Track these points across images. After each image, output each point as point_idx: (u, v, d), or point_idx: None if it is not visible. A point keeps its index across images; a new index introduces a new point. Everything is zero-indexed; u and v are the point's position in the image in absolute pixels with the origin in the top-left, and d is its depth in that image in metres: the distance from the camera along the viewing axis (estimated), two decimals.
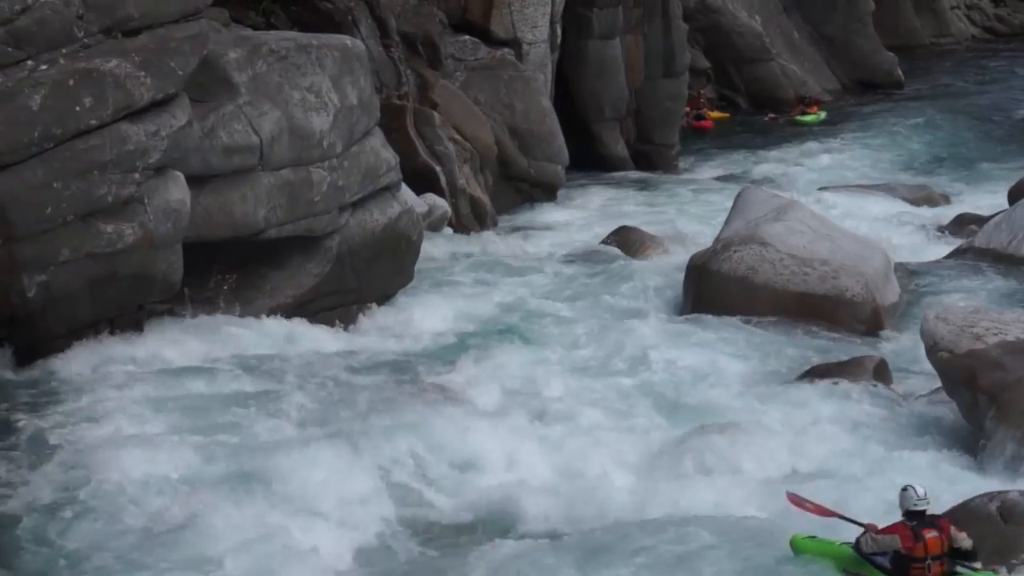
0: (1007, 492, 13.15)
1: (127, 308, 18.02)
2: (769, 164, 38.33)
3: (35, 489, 14.14)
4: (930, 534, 11.74)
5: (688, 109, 43.03)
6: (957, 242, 26.39)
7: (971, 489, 13.89)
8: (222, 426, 15.79)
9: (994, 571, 11.97)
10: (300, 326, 19.94)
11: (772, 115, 44.95)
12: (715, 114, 44.18)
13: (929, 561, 11.68)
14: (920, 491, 11.95)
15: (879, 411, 17.17)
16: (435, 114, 28.28)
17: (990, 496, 13.02)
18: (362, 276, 21.11)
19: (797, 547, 12.46)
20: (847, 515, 12.59)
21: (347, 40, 21.75)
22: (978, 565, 11.83)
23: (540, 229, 29.62)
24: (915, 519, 11.86)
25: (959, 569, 11.78)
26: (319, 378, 17.82)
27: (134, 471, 14.33)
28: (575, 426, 16.74)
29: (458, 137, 28.65)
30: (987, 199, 31.63)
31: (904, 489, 12.07)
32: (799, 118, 44.29)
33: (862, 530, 12.16)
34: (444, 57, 30.37)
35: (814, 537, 12.56)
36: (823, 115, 44.55)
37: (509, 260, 25.53)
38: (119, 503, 13.83)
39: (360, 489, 14.45)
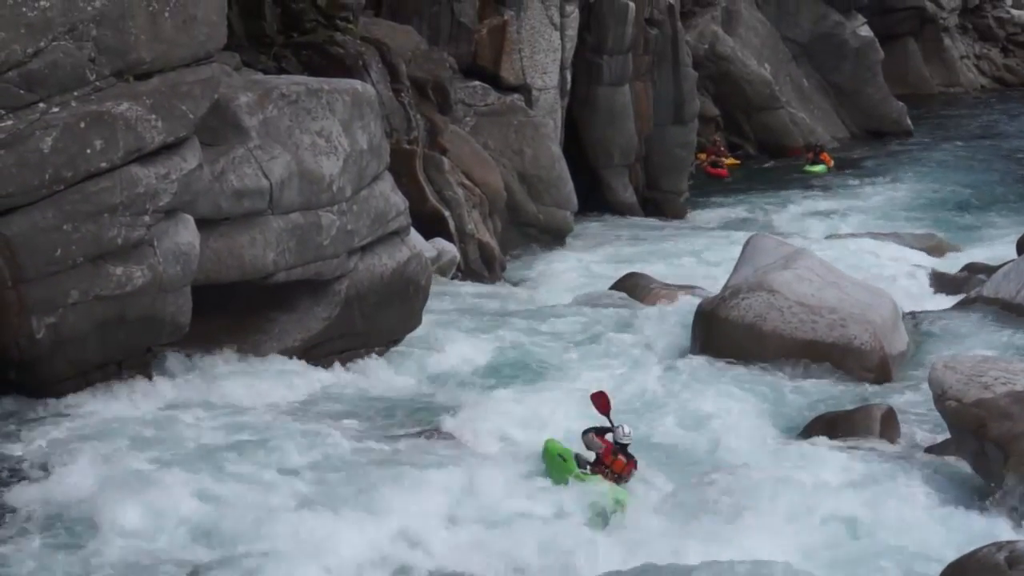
0: (1016, 542, 13.08)
1: (135, 350, 18.03)
2: (777, 211, 38.40)
3: (34, 533, 14.10)
4: (620, 457, 16.55)
5: (705, 155, 43.24)
6: (965, 291, 26.36)
7: (979, 538, 13.83)
8: (227, 471, 15.74)
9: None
10: (307, 370, 19.94)
11: (792, 150, 45.10)
12: (729, 160, 44.29)
13: (610, 471, 16.41)
14: (627, 430, 16.70)
15: (886, 460, 17.12)
16: (444, 159, 28.36)
17: (998, 546, 12.96)
18: (370, 320, 21.12)
19: (547, 448, 16.84)
20: (610, 421, 16.96)
21: (357, 85, 21.82)
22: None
23: (548, 274, 29.64)
24: (618, 447, 16.63)
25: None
26: (326, 423, 17.78)
27: (138, 517, 14.30)
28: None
29: (467, 182, 28.72)
30: (995, 249, 31.63)
31: (619, 426, 16.76)
32: (809, 167, 44.35)
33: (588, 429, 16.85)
34: (454, 102, 30.48)
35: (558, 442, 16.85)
36: (827, 168, 44.62)
37: (517, 305, 25.53)
38: (126, 550, 13.80)
39: (367, 539, 14.37)
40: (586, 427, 16.91)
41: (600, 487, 16.04)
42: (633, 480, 16.58)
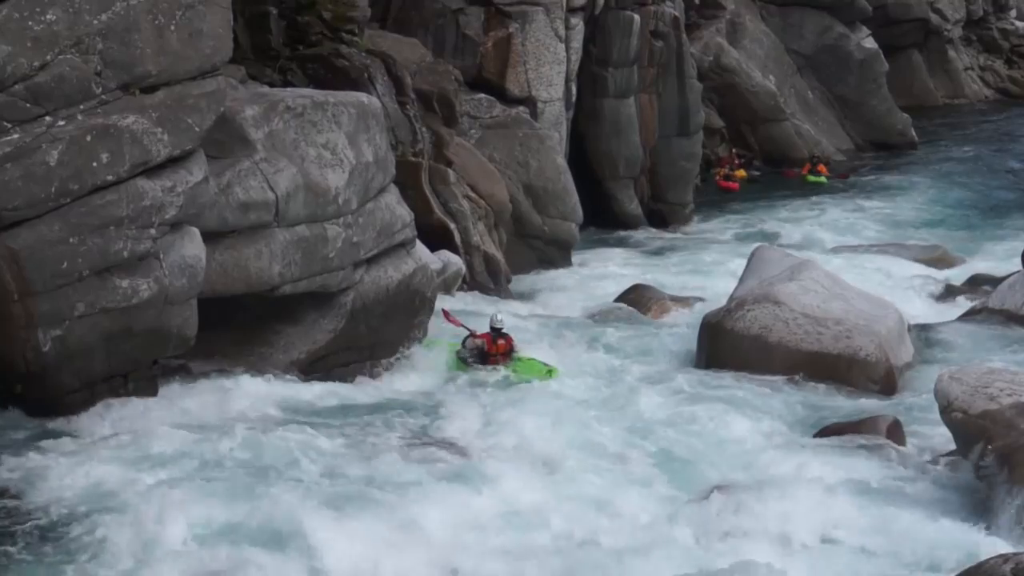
0: (1021, 554, 13.08)
1: (142, 363, 18.06)
2: (783, 223, 38.37)
3: (42, 545, 14.11)
4: (500, 341, 21.38)
5: (721, 169, 43.27)
6: (971, 303, 26.37)
7: (984, 550, 13.84)
8: (236, 484, 15.76)
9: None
10: (313, 382, 19.96)
11: (788, 170, 45.09)
12: (740, 172, 44.28)
13: (498, 355, 21.34)
14: (499, 317, 21.74)
15: (893, 471, 17.13)
16: (450, 171, 28.37)
17: (1004, 558, 12.94)
18: (376, 332, 21.15)
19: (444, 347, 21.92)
20: (468, 328, 21.91)
21: (363, 97, 21.86)
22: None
23: (554, 286, 29.64)
24: (495, 332, 21.42)
25: (516, 357, 21.37)
26: (332, 435, 17.78)
27: (145, 531, 14.31)
28: (588, 485, 16.71)
29: (473, 194, 28.73)
30: (1001, 260, 31.63)
31: (493, 316, 21.82)
32: (810, 177, 44.34)
33: (468, 333, 21.74)
34: (459, 115, 30.48)
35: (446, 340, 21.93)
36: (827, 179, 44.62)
37: (522, 317, 25.53)
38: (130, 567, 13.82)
39: (371, 548, 14.41)
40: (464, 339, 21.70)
41: (530, 369, 21.05)
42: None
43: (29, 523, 14.58)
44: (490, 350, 21.36)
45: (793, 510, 15.62)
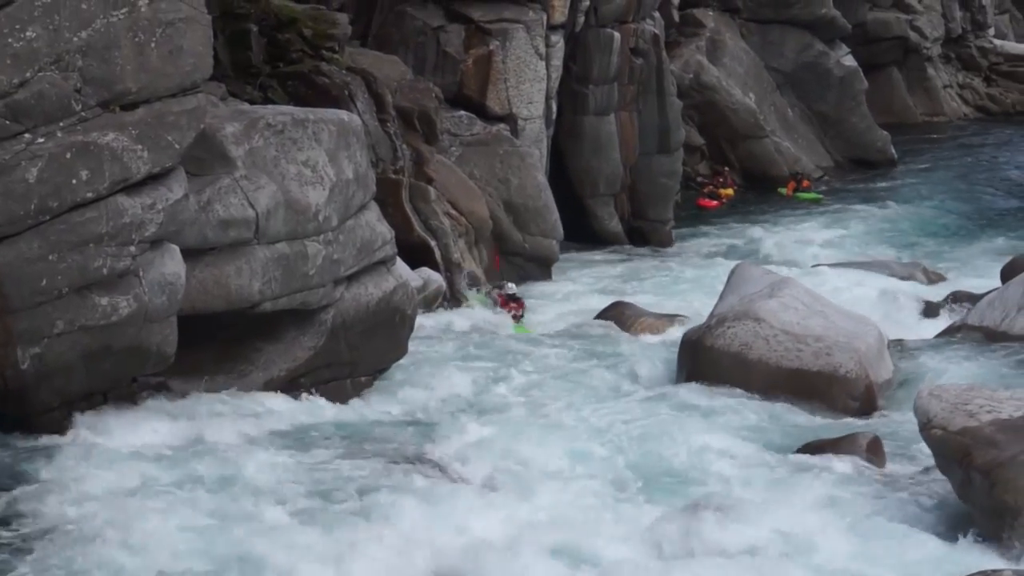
0: (1001, 571, 13.13)
1: (121, 381, 18.02)
2: (763, 240, 38.44)
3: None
4: (514, 301, 27.35)
5: (707, 186, 43.39)
6: (950, 319, 26.42)
7: (964, 567, 13.86)
8: (211, 505, 15.70)
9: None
10: (293, 400, 19.91)
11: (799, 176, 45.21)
12: (726, 191, 44.34)
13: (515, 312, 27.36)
14: (512, 286, 28.23)
15: (872, 489, 17.14)
16: (430, 189, 28.40)
17: (985, 574, 12.99)
18: (356, 350, 21.12)
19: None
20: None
21: (344, 115, 21.85)
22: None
23: (534, 304, 29.65)
24: (509, 297, 27.49)
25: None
26: (311, 454, 17.76)
27: (113, 558, 14.25)
28: (566, 503, 16.67)
29: (453, 212, 28.76)
30: (980, 277, 31.73)
31: (503, 287, 28.01)
32: (802, 195, 44.48)
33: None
34: (440, 132, 30.52)
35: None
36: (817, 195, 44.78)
37: (503, 335, 25.53)
38: None
39: (352, 570, 14.37)
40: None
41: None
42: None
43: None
44: (505, 308, 27.45)
45: (769, 528, 15.61)
